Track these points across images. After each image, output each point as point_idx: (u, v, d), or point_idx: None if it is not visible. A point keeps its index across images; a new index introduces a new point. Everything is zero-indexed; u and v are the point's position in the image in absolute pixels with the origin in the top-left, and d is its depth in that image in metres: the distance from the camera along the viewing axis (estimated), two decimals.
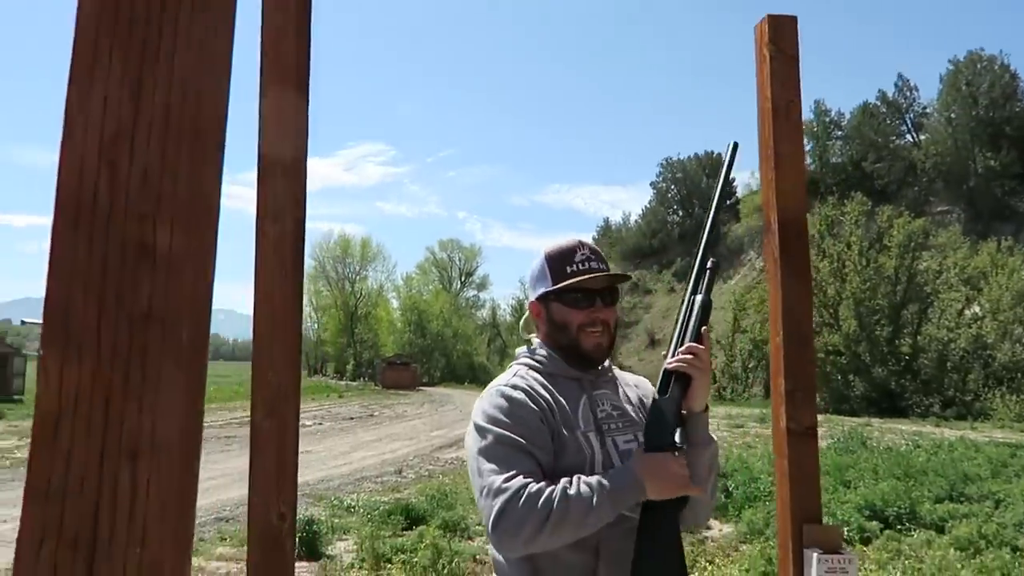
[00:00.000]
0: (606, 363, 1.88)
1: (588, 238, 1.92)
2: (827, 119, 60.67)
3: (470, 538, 8.01)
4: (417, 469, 13.92)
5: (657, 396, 1.75)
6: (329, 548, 7.58)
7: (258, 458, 1.95)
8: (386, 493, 10.87)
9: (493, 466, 1.61)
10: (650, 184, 78.65)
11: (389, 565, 6.85)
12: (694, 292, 1.82)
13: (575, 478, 1.60)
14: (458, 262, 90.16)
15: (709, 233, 1.88)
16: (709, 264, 1.83)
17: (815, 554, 2.14)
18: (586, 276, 1.79)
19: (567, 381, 1.81)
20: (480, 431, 1.68)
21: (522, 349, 1.91)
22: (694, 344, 1.77)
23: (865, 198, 40.22)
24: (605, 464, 1.72)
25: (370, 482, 12.21)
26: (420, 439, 19.34)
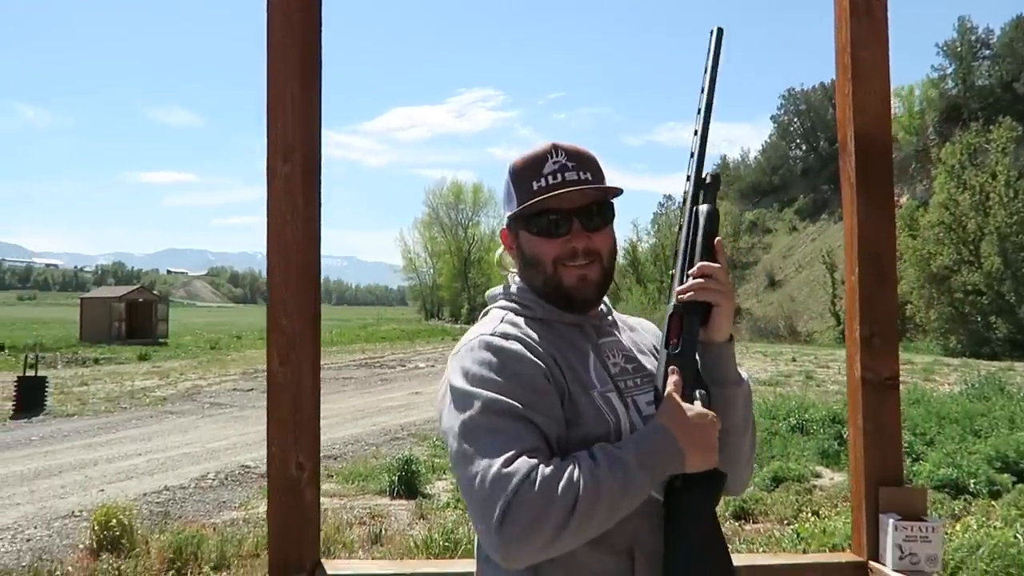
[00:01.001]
0: (605, 304, 1.48)
1: (567, 142, 1.42)
2: (973, 37, 55.07)
3: None
4: None
5: (666, 346, 1.34)
6: (427, 487, 7.76)
7: (274, 407, 1.88)
8: None
9: (485, 445, 1.19)
10: (770, 118, 74.65)
11: None
12: (694, 204, 1.41)
13: (596, 448, 1.22)
14: None
15: (702, 144, 1.41)
16: (708, 179, 1.41)
17: (891, 520, 1.88)
18: (553, 193, 1.34)
19: (566, 329, 1.39)
20: (461, 398, 1.26)
21: (496, 290, 1.49)
22: (707, 263, 1.35)
23: (1015, 123, 36.48)
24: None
25: None
26: None
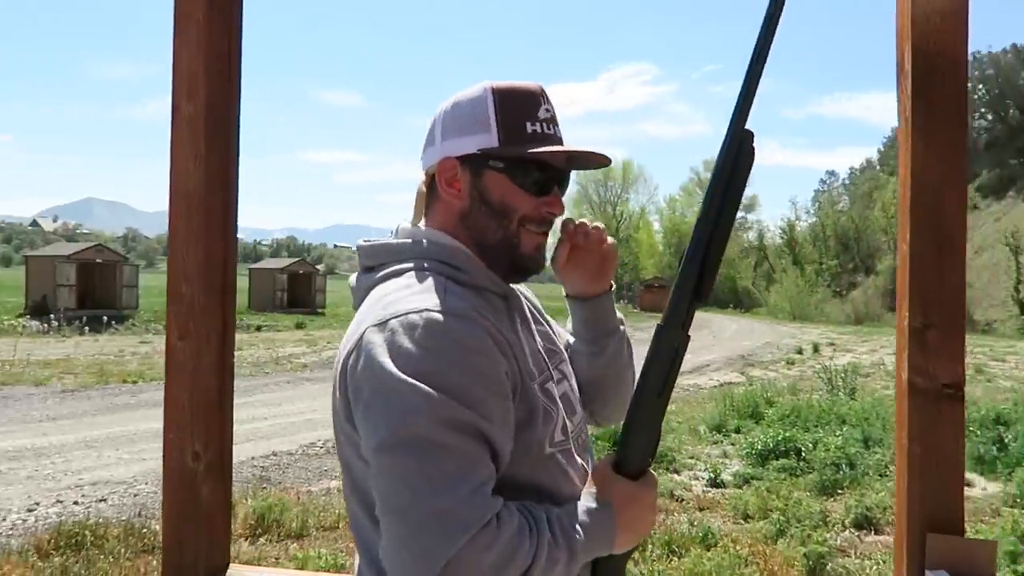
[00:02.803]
0: None
1: None
2: None
3: (675, 471, 7.46)
4: None
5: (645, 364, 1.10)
6: None
7: (170, 387, 1.65)
8: None
9: (431, 466, 0.92)
10: None
11: None
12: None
13: (555, 520, 1.01)
14: None
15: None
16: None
17: None
18: (562, 148, 1.15)
19: (498, 300, 1.15)
20: (398, 392, 0.94)
21: (404, 243, 1.15)
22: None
23: None
24: (564, 431, 1.15)
25: None
26: None
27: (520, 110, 1.14)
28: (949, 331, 1.45)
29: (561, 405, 1.15)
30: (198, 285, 1.63)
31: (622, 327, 1.34)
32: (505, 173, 1.13)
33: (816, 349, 22.18)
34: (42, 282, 26.04)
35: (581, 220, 1.27)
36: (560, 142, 1.17)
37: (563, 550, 0.98)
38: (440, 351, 0.96)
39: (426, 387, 0.93)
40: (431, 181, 1.17)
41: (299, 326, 27.51)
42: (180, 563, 1.62)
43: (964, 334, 1.46)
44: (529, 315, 1.23)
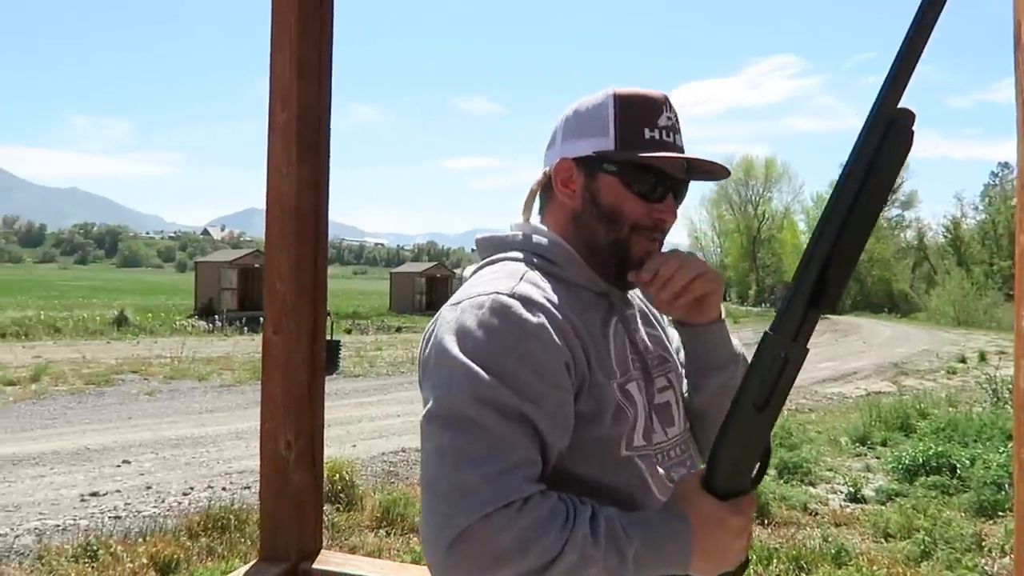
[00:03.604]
0: None
1: None
2: None
3: (811, 484, 7.06)
4: (788, 402, 12.87)
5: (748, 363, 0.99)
6: None
7: (266, 380, 1.74)
8: None
9: (467, 442, 0.93)
10: None
11: None
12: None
13: (602, 516, 0.95)
14: None
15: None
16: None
17: None
18: (676, 155, 1.13)
19: (594, 298, 1.14)
20: (450, 368, 0.97)
21: (514, 236, 1.18)
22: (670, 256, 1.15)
23: None
24: (647, 436, 1.10)
25: None
26: (805, 369, 17.53)
27: (640, 116, 1.13)
28: None
29: (647, 410, 1.11)
30: (290, 284, 1.71)
31: (733, 365, 1.20)
32: (618, 177, 1.13)
33: (982, 357, 20.29)
34: (209, 285, 28.47)
35: (667, 259, 1.13)
36: (680, 151, 1.15)
37: (604, 551, 0.92)
38: (498, 333, 0.98)
39: (476, 367, 0.95)
40: (548, 180, 1.19)
41: None
42: (274, 545, 1.70)
43: None
44: (638, 318, 1.21)
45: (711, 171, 1.17)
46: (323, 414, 1.78)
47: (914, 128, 0.92)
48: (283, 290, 1.71)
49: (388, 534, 5.42)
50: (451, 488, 0.92)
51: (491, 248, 1.19)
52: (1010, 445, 7.91)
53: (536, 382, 0.97)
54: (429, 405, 0.98)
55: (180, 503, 6.20)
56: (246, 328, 23.44)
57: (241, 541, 5.03)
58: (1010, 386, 11.62)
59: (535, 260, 1.13)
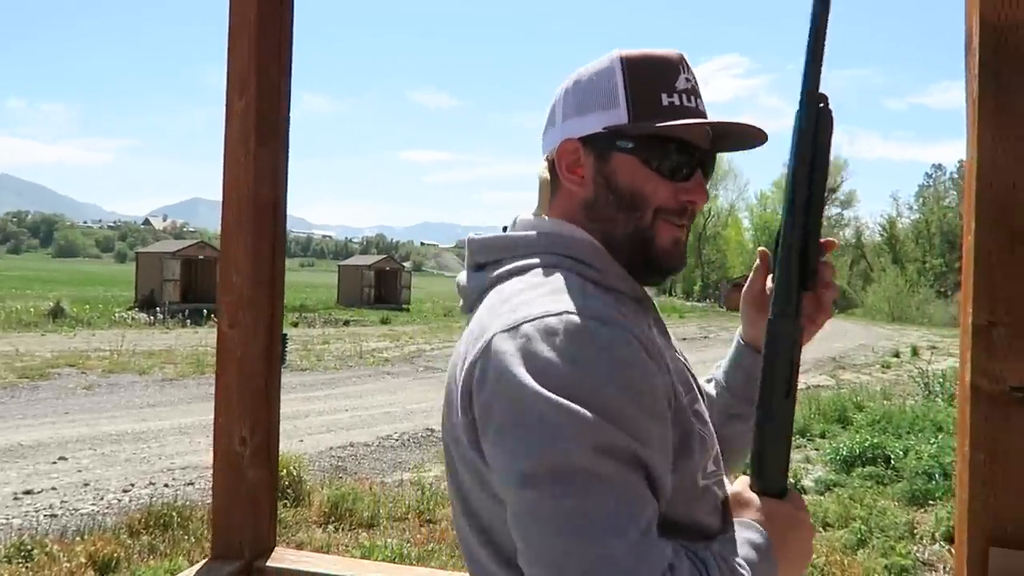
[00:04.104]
0: None
1: None
2: None
3: None
4: None
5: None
6: None
7: (221, 374, 1.70)
8: None
9: (593, 504, 0.74)
10: None
11: None
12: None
13: (712, 558, 0.82)
14: None
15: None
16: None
17: None
18: (705, 120, 0.96)
19: (635, 306, 0.96)
20: (550, 421, 0.76)
21: (528, 236, 0.97)
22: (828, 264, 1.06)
23: None
24: (716, 461, 0.97)
25: None
26: None
27: (654, 80, 0.95)
28: (1019, 329, 1.33)
29: (711, 439, 0.96)
30: (247, 276, 1.67)
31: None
32: (636, 154, 0.95)
33: (915, 352, 21.11)
34: (150, 277, 27.71)
35: (830, 243, 1.03)
36: (704, 116, 0.98)
37: None
38: (587, 362, 0.78)
39: (575, 406, 0.75)
40: (552, 167, 1.00)
41: (384, 321, 28.17)
42: (227, 543, 1.67)
43: None
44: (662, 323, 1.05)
45: (745, 136, 0.99)
46: (279, 409, 1.75)
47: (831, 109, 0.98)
48: (240, 283, 1.67)
49: (336, 529, 5.37)
50: (590, 567, 0.72)
51: (496, 251, 0.98)
52: (940, 436, 8.25)
53: (642, 417, 0.79)
54: (522, 464, 0.75)
55: (120, 500, 6.03)
56: (189, 321, 22.87)
57: (185, 539, 4.92)
58: (940, 380, 12.12)
59: (571, 264, 0.93)
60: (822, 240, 1.00)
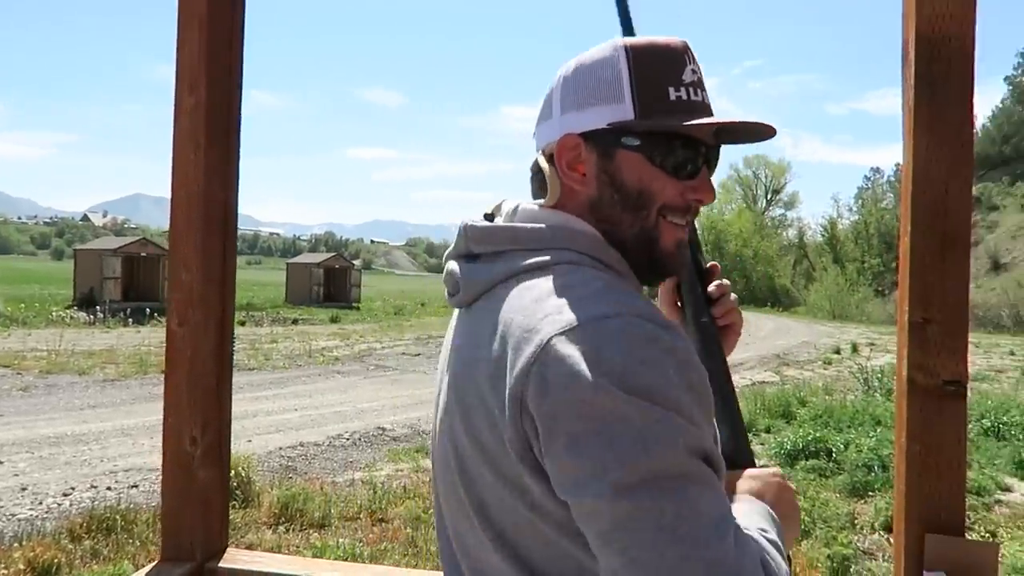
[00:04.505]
0: None
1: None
2: None
3: None
4: None
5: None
6: None
7: (171, 373, 1.67)
8: None
9: (704, 506, 0.73)
10: (1004, 79, 65.75)
11: None
12: None
13: (775, 542, 0.83)
14: (764, 179, 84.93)
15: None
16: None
17: None
18: (714, 120, 0.91)
19: None
20: (626, 424, 0.73)
21: (536, 228, 0.92)
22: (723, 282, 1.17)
23: None
24: None
25: None
26: None
27: (661, 72, 0.90)
28: (950, 326, 1.40)
29: None
30: (197, 274, 1.65)
31: None
32: (643, 152, 0.91)
33: (855, 349, 21.74)
34: (89, 275, 26.80)
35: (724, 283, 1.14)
36: (710, 111, 0.94)
37: (783, 564, 0.81)
38: (657, 364, 0.75)
39: (659, 407, 0.73)
40: (550, 162, 0.95)
41: (334, 320, 27.82)
42: (177, 545, 1.64)
43: (967, 330, 1.41)
44: None
45: (752, 131, 0.95)
46: (231, 408, 1.73)
47: None
48: (190, 280, 1.65)
49: (287, 530, 5.30)
50: (706, 571, 0.70)
51: (502, 241, 0.93)
52: (879, 429, 8.53)
53: (706, 418, 0.79)
54: (613, 473, 0.72)
55: (60, 504, 5.84)
56: (131, 320, 22.22)
57: (129, 542, 4.80)
58: (879, 376, 12.52)
59: (595, 264, 0.90)
60: (708, 265, 1.16)
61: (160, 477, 1.68)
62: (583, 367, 0.74)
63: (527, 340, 0.79)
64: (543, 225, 0.92)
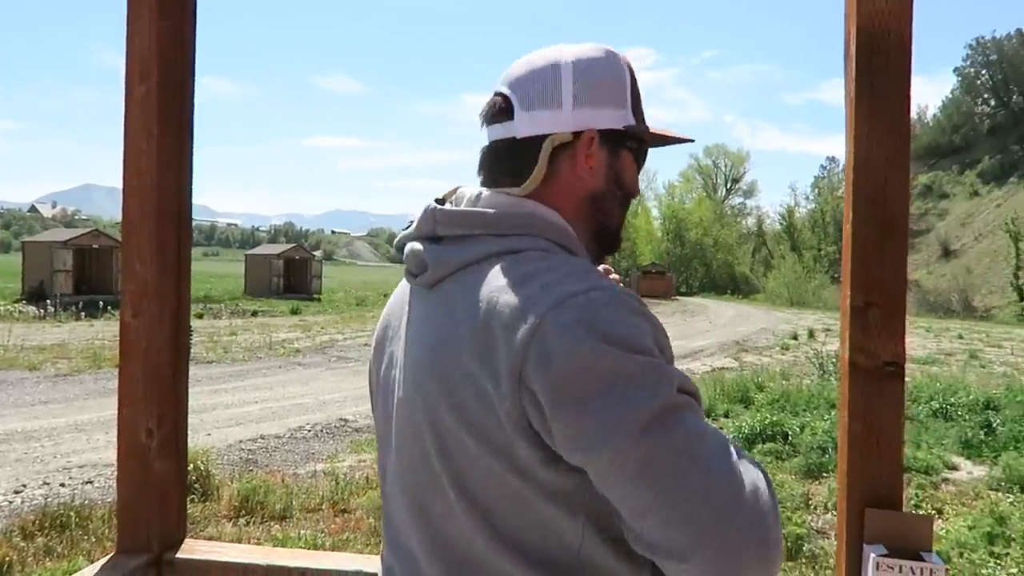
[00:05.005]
0: None
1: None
2: None
3: None
4: None
5: None
6: None
7: (125, 365, 1.66)
8: None
9: (708, 434, 0.83)
10: (954, 71, 67.45)
11: None
12: None
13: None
14: (724, 168, 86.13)
15: None
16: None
17: (873, 554, 1.39)
18: (679, 135, 1.08)
19: None
20: (628, 380, 0.81)
21: (510, 213, 0.97)
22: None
23: None
24: None
25: None
26: None
27: (638, 90, 1.04)
28: (890, 310, 1.46)
29: None
30: (151, 266, 1.64)
31: None
32: (635, 154, 1.04)
33: (811, 335, 22.24)
34: (39, 268, 26.10)
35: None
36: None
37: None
38: (638, 324, 0.85)
39: (649, 357, 0.82)
40: (555, 149, 0.98)
41: (294, 311, 27.53)
42: (134, 537, 1.64)
43: (904, 313, 1.47)
44: None
45: (674, 141, 1.11)
46: (187, 399, 1.72)
47: None
48: (144, 272, 1.63)
49: (247, 523, 5.26)
50: (736, 479, 0.80)
51: (474, 225, 0.97)
52: (833, 413, 8.76)
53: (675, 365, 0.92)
54: (628, 422, 0.79)
55: (11, 502, 5.71)
56: (84, 313, 21.70)
57: (84, 539, 4.72)
58: (834, 360, 12.82)
59: (561, 251, 0.97)
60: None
61: (116, 471, 1.67)
62: (580, 335, 0.81)
63: (519, 318, 0.84)
64: (519, 212, 0.97)
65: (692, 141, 1.14)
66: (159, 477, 1.64)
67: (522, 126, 0.99)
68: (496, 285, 0.89)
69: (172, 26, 1.66)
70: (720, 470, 0.80)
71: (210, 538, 4.82)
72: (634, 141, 1.03)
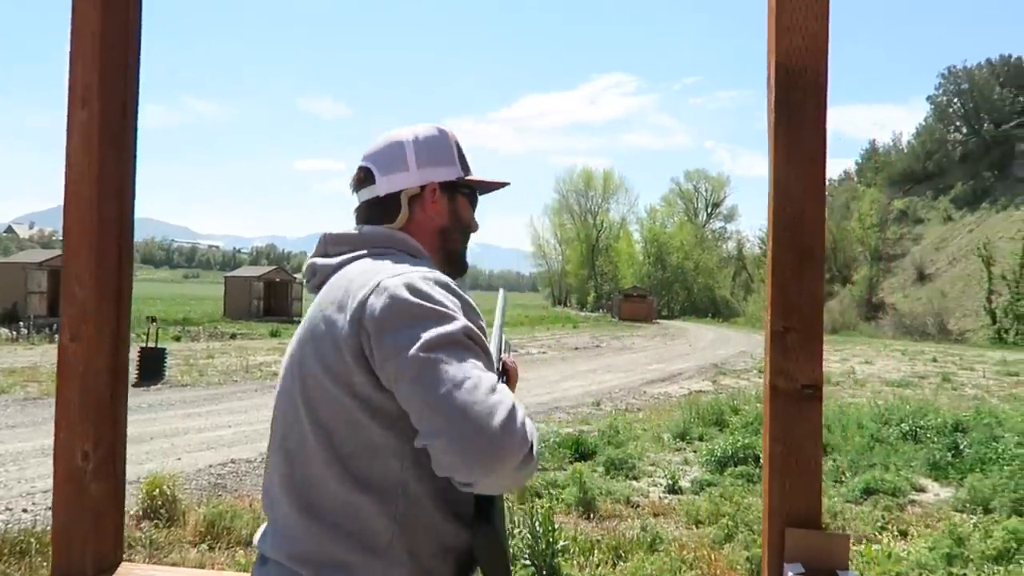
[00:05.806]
0: None
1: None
2: None
3: (635, 478, 7.52)
4: (617, 402, 13.54)
5: None
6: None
7: (62, 388, 1.67)
8: (574, 424, 10.65)
9: (472, 360, 1.11)
10: (927, 99, 68.76)
11: (538, 499, 6.60)
12: None
13: None
14: (705, 193, 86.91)
15: None
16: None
17: (791, 573, 1.42)
18: (499, 180, 1.49)
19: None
20: (424, 311, 1.13)
21: (378, 234, 1.36)
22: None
23: None
24: None
25: (562, 412, 12.07)
26: (636, 371, 18.89)
27: (462, 150, 1.45)
28: (807, 334, 1.51)
29: None
30: (90, 290, 1.65)
31: None
32: (468, 197, 1.45)
33: None
34: (13, 289, 25.79)
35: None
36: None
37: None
38: (445, 289, 1.19)
39: (448, 309, 1.15)
40: (406, 199, 1.37)
41: (274, 334, 27.31)
42: (69, 560, 1.64)
43: (822, 337, 1.52)
44: None
45: (498, 187, 1.52)
46: (126, 422, 1.73)
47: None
48: (82, 295, 1.65)
49: (212, 548, 5.19)
50: (481, 386, 1.06)
51: (354, 244, 1.33)
52: None
53: (475, 320, 1.20)
54: (420, 338, 1.09)
55: None
56: (57, 336, 21.43)
57: (43, 565, 4.64)
58: None
59: (415, 260, 1.32)
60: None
61: (52, 495, 1.67)
62: (401, 291, 1.15)
63: (364, 285, 1.18)
64: (382, 233, 1.35)
65: (508, 184, 1.51)
66: (95, 500, 1.65)
67: (382, 186, 1.37)
68: (354, 271, 1.25)
69: (116, 50, 1.70)
70: (473, 387, 1.05)
71: (174, 563, 4.76)
72: (466, 187, 1.43)
